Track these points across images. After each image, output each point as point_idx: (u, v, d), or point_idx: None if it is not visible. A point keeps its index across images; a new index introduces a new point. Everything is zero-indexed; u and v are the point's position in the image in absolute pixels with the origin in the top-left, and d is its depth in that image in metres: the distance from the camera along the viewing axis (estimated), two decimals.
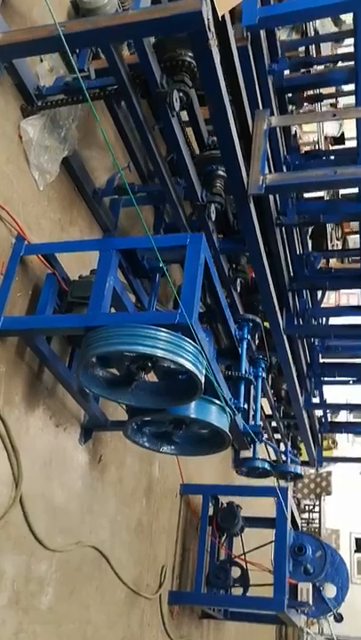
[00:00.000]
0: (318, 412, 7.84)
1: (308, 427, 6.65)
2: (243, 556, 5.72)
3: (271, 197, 4.14)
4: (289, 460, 4.42)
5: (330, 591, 6.95)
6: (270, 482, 5.76)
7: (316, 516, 12.63)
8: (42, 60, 3.61)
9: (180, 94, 3.11)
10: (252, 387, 4.09)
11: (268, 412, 6.55)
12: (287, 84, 4.65)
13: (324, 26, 7.70)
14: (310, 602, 5.32)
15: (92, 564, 4.02)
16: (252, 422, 3.89)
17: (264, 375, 4.18)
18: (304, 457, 7.99)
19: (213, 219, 3.74)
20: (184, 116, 4.04)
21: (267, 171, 3.59)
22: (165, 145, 4.01)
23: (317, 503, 12.86)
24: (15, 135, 3.38)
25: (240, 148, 3.47)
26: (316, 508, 12.75)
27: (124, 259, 3.15)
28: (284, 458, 5.65)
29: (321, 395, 6.79)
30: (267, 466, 3.96)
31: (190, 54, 3.16)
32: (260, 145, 3.66)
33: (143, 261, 3.18)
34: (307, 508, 12.94)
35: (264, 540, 6.08)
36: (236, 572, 5.91)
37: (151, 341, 2.67)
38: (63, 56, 3.73)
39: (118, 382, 3.06)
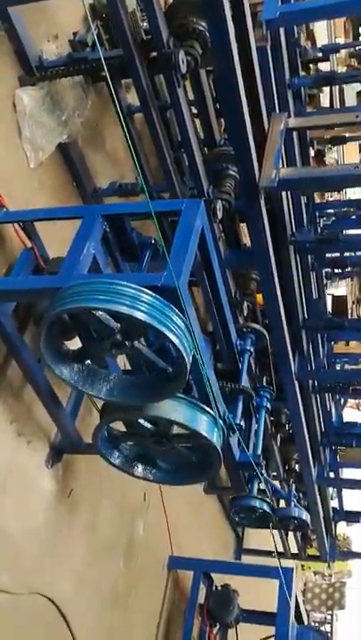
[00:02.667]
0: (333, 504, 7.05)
1: (320, 507, 5.86)
2: None
3: (286, 213, 3.79)
4: (293, 504, 3.68)
5: None
6: (273, 563, 4.95)
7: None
8: (49, 40, 3.44)
9: (188, 58, 2.83)
10: (253, 420, 3.51)
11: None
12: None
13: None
14: None
15: (47, 622, 3.27)
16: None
17: (269, 406, 3.61)
18: (314, 551, 7.07)
19: (220, 217, 3.35)
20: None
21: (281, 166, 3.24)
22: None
23: (329, 619, 11.39)
24: (9, 103, 3.11)
25: (253, 142, 3.14)
26: (328, 627, 11.28)
27: (111, 231, 2.73)
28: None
29: (336, 474, 6.05)
30: (265, 507, 3.27)
31: (203, 23, 2.94)
32: (275, 142, 3.33)
33: (132, 234, 2.77)
34: (316, 625, 11.36)
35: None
36: None
37: (131, 301, 2.17)
38: (72, 43, 3.58)
39: (88, 371, 2.55)
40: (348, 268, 5.94)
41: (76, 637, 3.51)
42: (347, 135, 5.09)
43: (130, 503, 4.32)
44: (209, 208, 3.35)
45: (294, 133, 4.14)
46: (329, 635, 10.21)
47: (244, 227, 4.66)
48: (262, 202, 3.25)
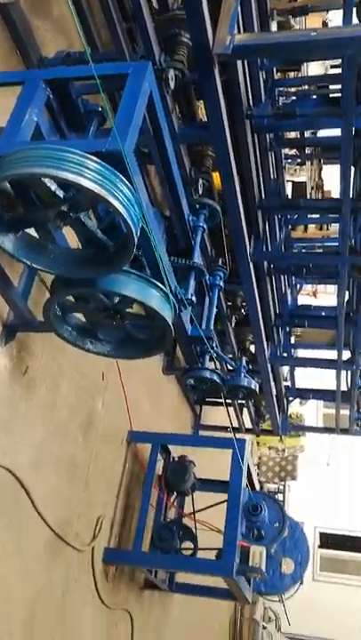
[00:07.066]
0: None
1: (272, 385, 6.12)
2: (192, 516, 5.15)
3: (243, 86, 3.64)
4: (242, 374, 3.86)
5: (288, 567, 6.45)
6: (228, 435, 5.23)
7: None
8: None
9: None
10: (207, 300, 3.56)
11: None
12: None
13: None
14: (263, 568, 4.74)
15: (4, 491, 3.41)
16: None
17: (222, 285, 3.65)
18: (267, 426, 7.48)
19: (172, 87, 3.20)
20: None
21: (236, 31, 3.06)
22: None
23: (282, 489, 12.34)
24: None
25: (207, 5, 2.94)
26: (280, 497, 12.23)
27: (55, 98, 2.59)
28: None
29: (289, 352, 6.27)
30: (216, 377, 3.41)
31: None
32: (230, 5, 3.12)
33: (78, 102, 2.63)
34: (270, 495, 12.30)
35: (218, 507, 5.51)
36: (184, 537, 5.34)
37: (76, 167, 2.10)
38: None
39: (34, 244, 2.51)
40: (307, 150, 5.88)
41: (35, 502, 3.68)
42: (309, 5, 4.82)
43: (88, 382, 4.42)
44: (161, 77, 3.19)
45: (253, 3, 3.90)
46: (282, 503, 11.10)
47: (202, 106, 4.50)
48: (216, 71, 3.09)
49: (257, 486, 6.11)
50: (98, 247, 2.48)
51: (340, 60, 4.19)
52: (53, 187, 2.18)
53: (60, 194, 2.21)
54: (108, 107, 2.52)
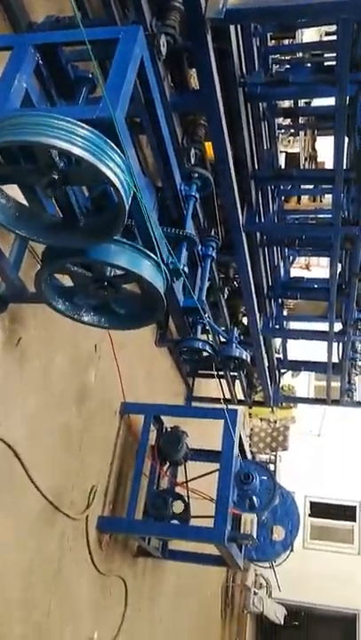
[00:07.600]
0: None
1: (265, 357, 6.15)
2: (185, 485, 5.22)
3: (236, 53, 3.58)
4: (234, 345, 3.87)
5: (279, 535, 6.57)
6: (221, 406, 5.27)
7: None
8: None
9: None
10: (200, 270, 3.55)
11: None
12: None
13: None
14: (254, 535, 4.83)
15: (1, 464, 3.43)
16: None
17: (214, 255, 3.64)
18: (259, 398, 7.54)
19: (164, 53, 3.14)
20: None
21: None
22: None
23: (273, 460, 12.53)
24: None
25: None
26: (271, 467, 12.41)
27: (44, 64, 2.54)
28: None
29: (281, 324, 6.29)
30: (208, 348, 3.42)
31: None
32: None
33: (68, 68, 2.59)
34: (261, 464, 12.50)
35: (211, 476, 5.59)
36: (177, 506, 5.41)
37: (66, 135, 2.07)
38: None
39: (24, 213, 2.48)
40: (301, 120, 5.82)
41: (28, 471, 3.71)
42: None
43: (81, 354, 4.43)
44: (152, 42, 3.13)
45: None
46: (273, 473, 11.25)
47: (194, 75, 4.43)
48: (209, 37, 3.05)
49: (249, 457, 6.21)
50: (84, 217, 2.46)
51: (334, 27, 4.14)
52: (57, 157, 2.14)
53: (59, 162, 2.18)
54: (98, 72, 2.47)
